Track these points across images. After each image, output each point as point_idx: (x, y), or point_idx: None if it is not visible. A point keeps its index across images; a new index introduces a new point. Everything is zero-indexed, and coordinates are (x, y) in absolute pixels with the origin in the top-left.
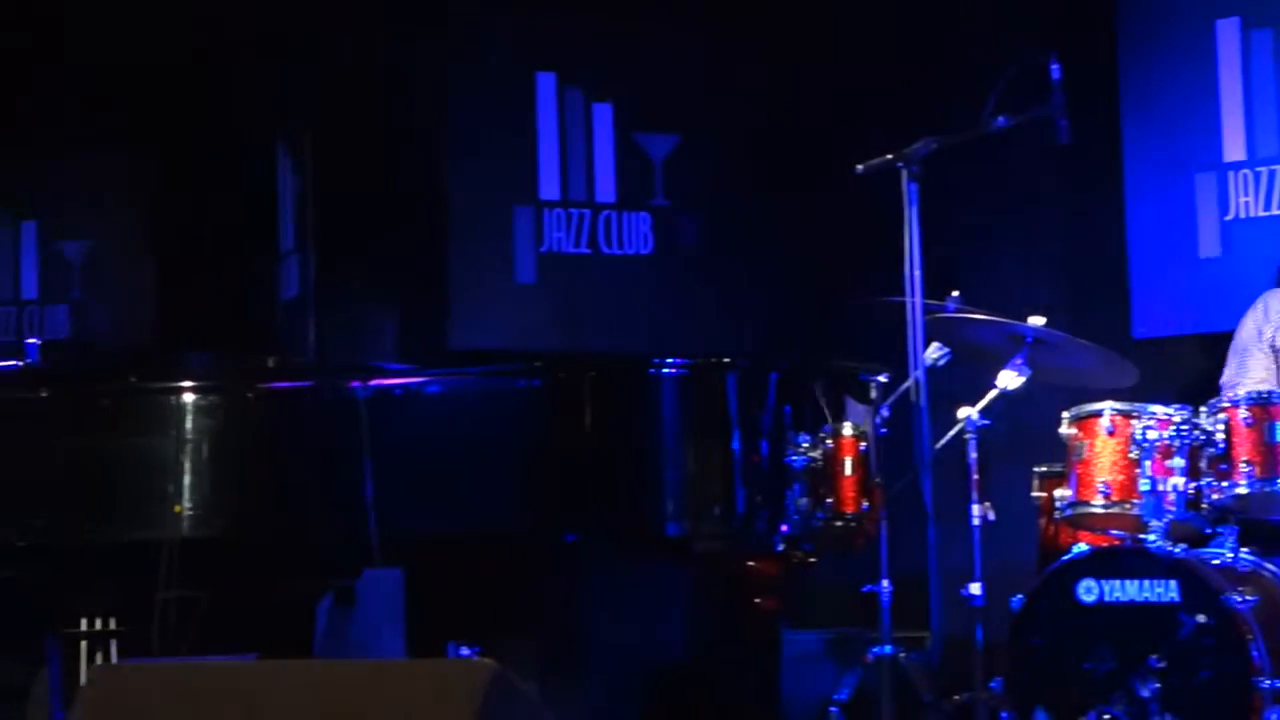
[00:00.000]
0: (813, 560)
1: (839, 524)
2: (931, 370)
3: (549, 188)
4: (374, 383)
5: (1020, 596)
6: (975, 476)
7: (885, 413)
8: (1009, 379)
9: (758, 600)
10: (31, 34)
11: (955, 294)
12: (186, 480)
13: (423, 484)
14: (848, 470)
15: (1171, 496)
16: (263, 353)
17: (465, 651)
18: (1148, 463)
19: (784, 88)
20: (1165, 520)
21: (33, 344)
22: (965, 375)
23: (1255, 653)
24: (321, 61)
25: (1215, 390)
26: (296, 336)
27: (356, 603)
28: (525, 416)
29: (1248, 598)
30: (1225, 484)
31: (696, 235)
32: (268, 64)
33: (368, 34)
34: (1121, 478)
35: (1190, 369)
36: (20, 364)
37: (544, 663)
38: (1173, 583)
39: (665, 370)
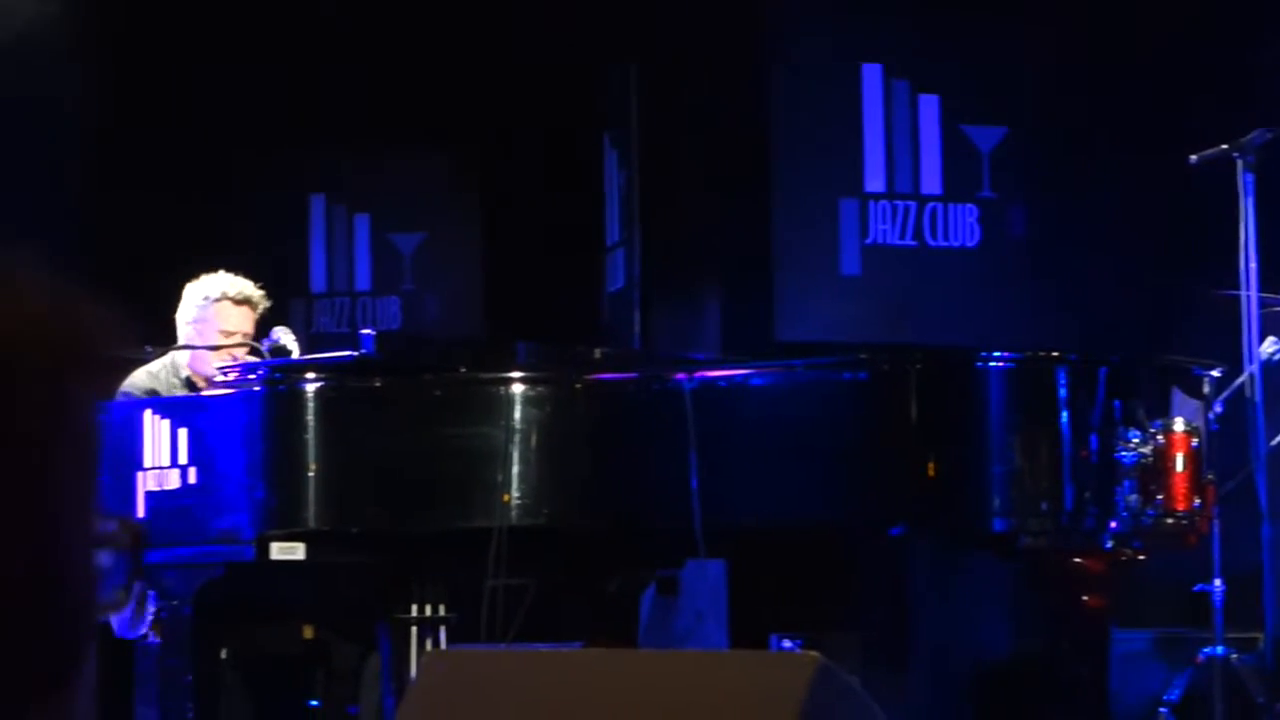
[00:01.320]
0: (1142, 558)
1: (1170, 521)
2: (1267, 365)
3: (874, 180)
4: (699, 374)
5: None
6: None
7: (1219, 408)
8: None
9: (1085, 598)
10: (367, 34)
11: None
12: (515, 470)
13: (747, 475)
14: (1179, 467)
15: None
16: (588, 344)
17: (787, 644)
18: None
19: (1114, 75)
20: None
21: (367, 335)
22: None
23: None
24: (647, 55)
25: None
26: (622, 328)
27: (680, 593)
28: (850, 409)
29: None
30: None
31: (1024, 227)
32: (593, 59)
33: (693, 26)
34: None
35: None
36: (355, 354)
37: (866, 656)
38: None
39: (992, 364)
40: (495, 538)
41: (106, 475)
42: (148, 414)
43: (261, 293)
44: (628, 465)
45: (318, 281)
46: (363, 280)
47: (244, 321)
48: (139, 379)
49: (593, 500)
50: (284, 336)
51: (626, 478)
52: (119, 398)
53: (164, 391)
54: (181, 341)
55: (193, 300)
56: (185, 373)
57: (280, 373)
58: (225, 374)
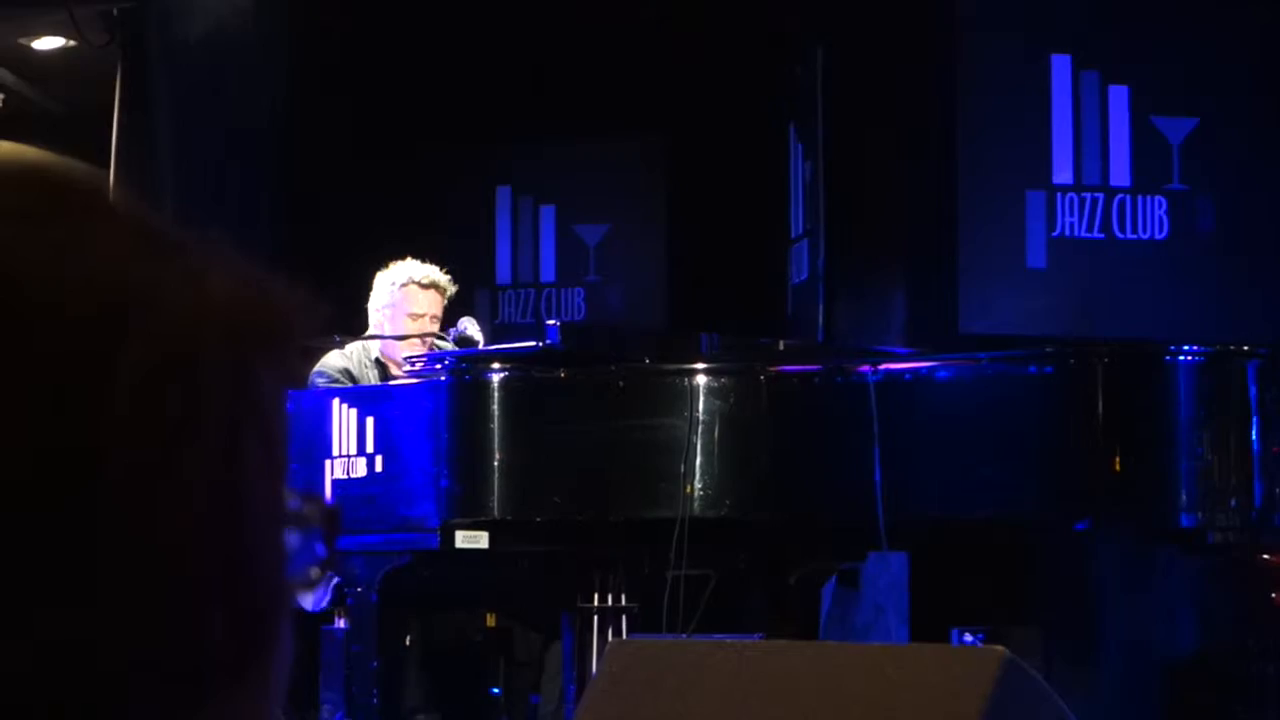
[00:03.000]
0: None
1: None
2: None
3: (1062, 171)
4: (884, 367)
5: None
6: None
7: None
8: None
9: (1274, 595)
10: (554, 25)
11: None
12: (698, 461)
13: (930, 469)
14: None
15: None
16: (772, 336)
17: (969, 638)
18: None
19: None
20: None
21: (553, 326)
22: None
23: None
24: (834, 45)
25: None
26: (806, 321)
27: (861, 585)
28: (1036, 403)
29: None
30: None
31: (1214, 220)
32: (780, 51)
33: (880, 16)
34: None
35: None
36: (540, 345)
37: (1049, 651)
38: None
39: (1182, 357)
40: (677, 528)
41: (296, 463)
42: (336, 403)
43: (448, 277)
44: (810, 457)
45: (503, 273)
46: (548, 271)
47: (432, 304)
48: (333, 359)
49: (775, 492)
50: (470, 327)
51: (809, 470)
52: (313, 378)
53: (356, 371)
54: (372, 329)
55: (382, 287)
56: (376, 354)
57: (466, 363)
58: (412, 364)
